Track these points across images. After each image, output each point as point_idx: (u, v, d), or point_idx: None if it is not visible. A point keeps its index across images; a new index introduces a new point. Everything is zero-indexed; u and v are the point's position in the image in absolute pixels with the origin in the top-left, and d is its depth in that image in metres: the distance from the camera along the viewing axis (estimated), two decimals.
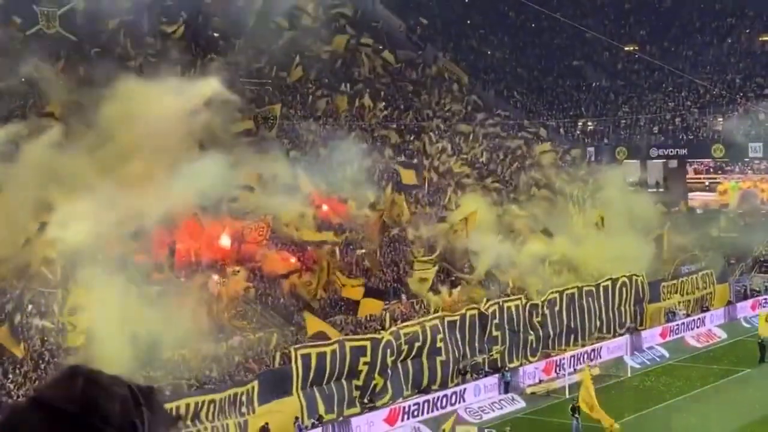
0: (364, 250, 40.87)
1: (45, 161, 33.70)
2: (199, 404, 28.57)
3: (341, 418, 31.71)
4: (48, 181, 33.49)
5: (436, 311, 37.79)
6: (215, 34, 50.46)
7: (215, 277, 35.58)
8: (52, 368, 28.40)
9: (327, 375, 31.90)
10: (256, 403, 29.96)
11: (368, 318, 37.51)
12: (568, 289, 40.90)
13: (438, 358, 35.19)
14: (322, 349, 32.22)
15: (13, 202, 32.79)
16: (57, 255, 32.31)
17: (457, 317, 36.51)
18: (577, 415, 30.83)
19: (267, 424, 29.76)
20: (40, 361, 29.20)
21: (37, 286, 31.80)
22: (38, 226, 32.59)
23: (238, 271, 36.52)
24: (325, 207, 42.58)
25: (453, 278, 41.89)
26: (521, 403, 35.09)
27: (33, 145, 34.49)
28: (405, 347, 33.83)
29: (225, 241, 37.33)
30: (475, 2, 55.68)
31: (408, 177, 47.53)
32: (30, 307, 31.18)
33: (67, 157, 34.46)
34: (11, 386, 27.97)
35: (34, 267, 32.25)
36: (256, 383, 30.26)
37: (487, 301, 38.06)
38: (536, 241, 44.22)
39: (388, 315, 37.32)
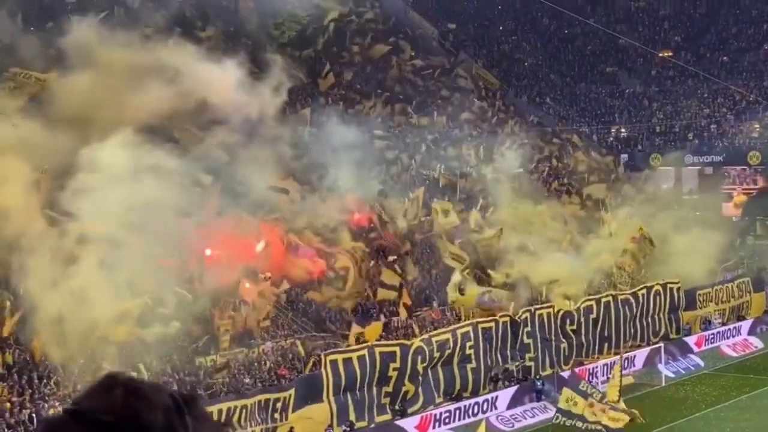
0: (396, 257, 40.74)
1: None
2: (232, 409, 28.70)
3: (372, 425, 31.65)
4: None
5: (467, 318, 37.66)
6: (248, 42, 50.41)
7: (246, 283, 35.65)
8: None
9: (357, 381, 31.75)
10: (290, 410, 30.00)
11: (398, 325, 37.47)
12: (603, 296, 40.55)
13: (468, 366, 35.06)
14: (351, 355, 32.21)
15: None
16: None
17: (491, 324, 36.33)
18: None
19: (292, 428, 29.85)
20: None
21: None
22: None
23: (269, 277, 36.58)
24: (357, 214, 42.52)
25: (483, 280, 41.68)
26: (553, 411, 34.72)
27: None
28: (436, 354, 33.68)
29: (259, 247, 37.38)
30: (508, 9, 55.46)
31: (445, 182, 47.59)
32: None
33: None
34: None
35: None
36: (293, 390, 30.31)
37: (519, 308, 37.92)
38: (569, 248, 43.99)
39: (415, 322, 37.34)
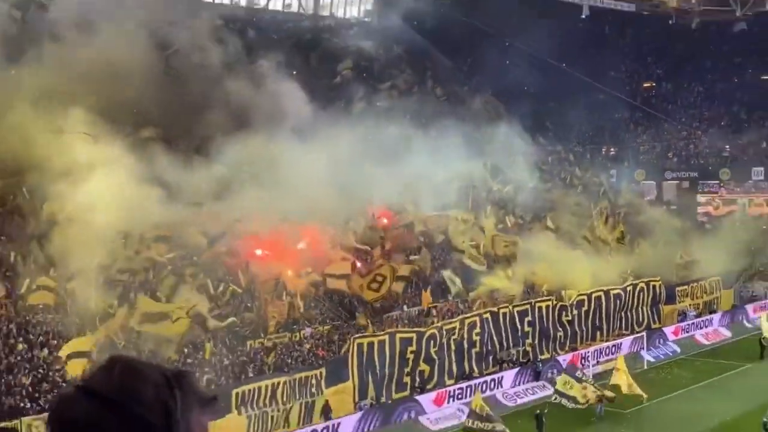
0: (417, 257, 40.68)
1: None
2: (276, 385, 28.96)
3: (389, 401, 31.51)
4: None
5: (479, 308, 37.61)
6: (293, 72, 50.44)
7: (290, 277, 35.77)
8: None
9: (379, 362, 31.63)
10: (323, 385, 30.07)
11: (418, 314, 37.52)
12: (594, 292, 40.23)
13: (474, 350, 34.93)
14: (374, 339, 32.11)
15: None
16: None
17: (496, 313, 36.15)
18: (601, 403, 30.88)
19: (327, 402, 29.85)
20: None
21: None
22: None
23: (310, 272, 36.70)
24: (385, 220, 42.46)
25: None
26: (550, 390, 34.76)
27: None
28: (445, 339, 33.56)
29: (301, 246, 37.48)
30: (511, 48, 55.22)
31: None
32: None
33: None
34: None
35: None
36: (324, 369, 30.45)
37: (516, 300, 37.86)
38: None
39: (435, 311, 37.31)
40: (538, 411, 29.61)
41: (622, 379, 32.05)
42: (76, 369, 26.66)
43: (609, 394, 31.20)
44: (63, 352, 27.41)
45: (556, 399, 31.60)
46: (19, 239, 31.57)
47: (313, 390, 29.61)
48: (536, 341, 37.24)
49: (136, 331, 29.34)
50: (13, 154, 32.13)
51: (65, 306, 29.58)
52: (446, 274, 40.11)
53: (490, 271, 41.34)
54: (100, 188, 31.38)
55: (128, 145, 33.52)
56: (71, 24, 36.14)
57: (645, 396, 31.87)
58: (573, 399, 31.14)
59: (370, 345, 31.60)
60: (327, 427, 29.05)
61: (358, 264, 38.03)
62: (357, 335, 32.62)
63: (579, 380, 31.71)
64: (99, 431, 1.56)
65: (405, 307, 37.82)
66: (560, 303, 38.73)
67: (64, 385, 26.86)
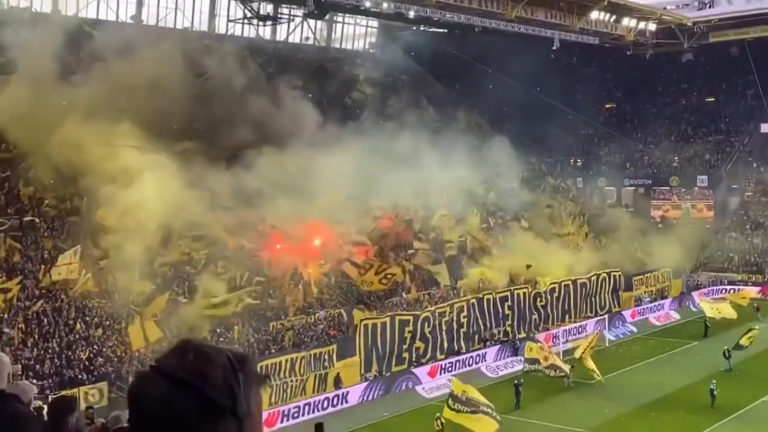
0: (413, 251, 40.66)
1: None
2: (295, 359, 28.98)
3: (390, 374, 31.53)
4: None
5: (465, 295, 37.58)
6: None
7: (307, 268, 35.76)
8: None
9: (381, 340, 31.62)
10: (334, 360, 30.14)
11: (415, 300, 37.46)
12: (564, 281, 40.17)
13: (462, 331, 34.87)
14: (378, 321, 32.14)
15: None
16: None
17: (481, 299, 36.16)
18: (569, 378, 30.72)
19: (338, 374, 29.90)
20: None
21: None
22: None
23: (324, 264, 36.68)
24: (387, 219, 42.24)
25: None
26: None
27: None
28: (437, 321, 33.51)
29: (317, 242, 37.48)
30: (494, 75, 55.13)
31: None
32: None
33: None
34: None
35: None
36: (335, 346, 30.49)
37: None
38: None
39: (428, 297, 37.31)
40: (516, 381, 29.63)
41: (585, 352, 31.28)
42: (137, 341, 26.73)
43: (565, 367, 30.49)
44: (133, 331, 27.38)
45: (525, 368, 31.41)
46: (75, 236, 31.56)
47: (326, 364, 29.69)
48: (515, 323, 37.23)
49: (178, 314, 29.43)
50: (69, 162, 32.11)
51: (115, 293, 29.58)
52: (438, 266, 40.10)
53: (476, 264, 41.32)
54: (143, 192, 31.35)
55: (168, 155, 33.48)
56: (116, 49, 36.09)
57: (596, 372, 30.80)
58: (535, 361, 30.87)
59: (374, 326, 31.65)
60: (337, 395, 29.14)
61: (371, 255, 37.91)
62: (363, 318, 32.60)
63: (542, 347, 31.66)
64: (174, 410, 1.50)
65: (404, 294, 37.78)
66: (535, 290, 38.67)
67: (115, 359, 26.93)
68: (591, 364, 31.03)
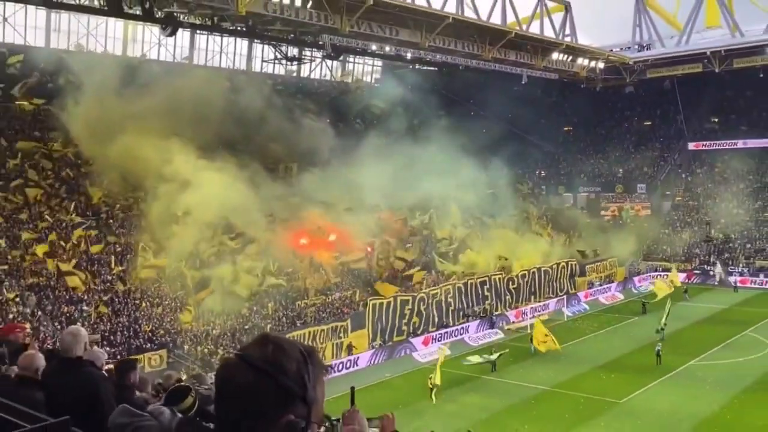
0: (410, 245, 40.42)
1: None
2: (316, 332, 28.83)
3: (391, 343, 31.43)
4: None
5: (451, 279, 37.34)
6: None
7: (324, 258, 35.47)
8: None
9: (386, 316, 31.59)
10: (348, 331, 30.05)
11: (414, 284, 37.16)
12: (532, 268, 40.03)
13: (450, 308, 34.77)
14: (383, 300, 32.03)
15: None
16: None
17: (465, 283, 36.03)
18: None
19: (351, 343, 29.79)
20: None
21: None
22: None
23: (338, 255, 36.48)
24: (387, 219, 41.91)
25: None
26: (501, 335, 34.64)
27: None
28: (430, 300, 33.40)
29: (332, 237, 37.24)
30: (473, 106, 54.90)
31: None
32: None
33: None
34: None
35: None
36: (348, 320, 30.38)
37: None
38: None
39: (425, 281, 37.06)
40: (492, 349, 29.46)
41: (538, 336, 30.27)
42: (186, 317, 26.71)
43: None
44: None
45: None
46: (137, 231, 31.46)
47: (341, 335, 29.64)
48: (492, 301, 37.06)
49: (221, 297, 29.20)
50: (130, 169, 31.99)
51: (170, 279, 29.47)
52: (432, 256, 39.84)
53: (461, 253, 41.12)
54: (193, 196, 31.21)
55: (214, 164, 33.38)
56: (166, 70, 36.00)
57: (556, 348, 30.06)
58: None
59: (381, 305, 31.57)
60: (350, 360, 29.05)
61: (369, 249, 37.59)
62: (371, 298, 32.49)
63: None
64: (255, 396, 1.42)
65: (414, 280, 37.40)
66: (508, 276, 38.50)
67: (173, 332, 26.77)
68: (547, 346, 29.76)
